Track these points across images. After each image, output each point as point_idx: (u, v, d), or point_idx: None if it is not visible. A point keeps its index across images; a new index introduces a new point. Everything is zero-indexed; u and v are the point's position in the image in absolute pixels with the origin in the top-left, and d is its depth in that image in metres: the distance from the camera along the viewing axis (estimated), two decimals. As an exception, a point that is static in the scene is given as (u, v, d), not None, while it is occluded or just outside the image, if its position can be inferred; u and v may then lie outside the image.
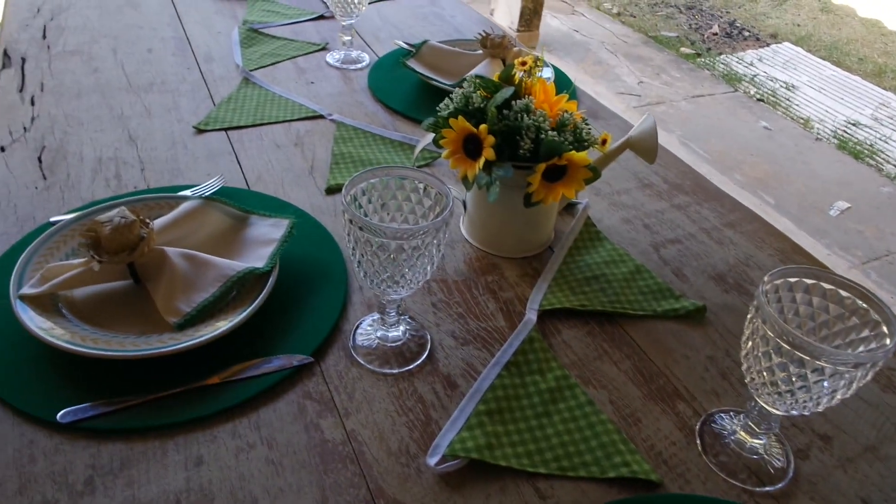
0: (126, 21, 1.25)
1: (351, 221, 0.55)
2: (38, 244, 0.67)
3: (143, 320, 0.63)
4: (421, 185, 0.59)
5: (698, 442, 0.60)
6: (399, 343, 0.65)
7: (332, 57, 1.20)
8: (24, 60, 1.09)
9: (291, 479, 0.53)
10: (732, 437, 0.60)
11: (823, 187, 2.75)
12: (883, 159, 2.95)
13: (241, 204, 0.76)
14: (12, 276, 0.63)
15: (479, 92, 0.71)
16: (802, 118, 3.20)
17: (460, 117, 0.68)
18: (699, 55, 3.74)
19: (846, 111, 3.30)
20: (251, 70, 1.12)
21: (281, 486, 0.53)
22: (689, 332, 0.71)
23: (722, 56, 3.78)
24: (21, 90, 1.01)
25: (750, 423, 0.58)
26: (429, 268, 0.57)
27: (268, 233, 0.72)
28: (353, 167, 0.91)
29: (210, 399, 0.58)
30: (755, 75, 3.56)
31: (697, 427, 0.61)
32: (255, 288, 0.66)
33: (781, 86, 3.48)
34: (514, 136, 0.68)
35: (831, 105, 3.35)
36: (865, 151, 3.01)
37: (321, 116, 1.02)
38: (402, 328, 0.66)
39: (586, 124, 0.73)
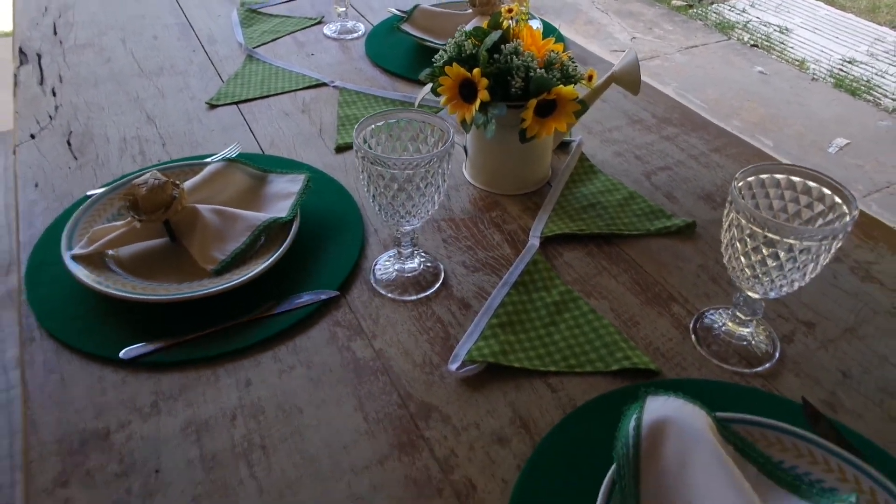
0: (130, 12, 1.31)
1: (364, 158, 0.61)
2: (82, 212, 0.74)
3: (181, 272, 0.70)
4: (424, 124, 0.65)
5: (692, 336, 0.66)
6: (415, 273, 0.72)
7: (328, 29, 1.25)
8: (39, 56, 1.15)
9: (330, 392, 0.60)
10: (722, 329, 0.66)
11: (821, 126, 2.77)
12: (880, 94, 2.97)
13: (259, 165, 0.82)
14: (62, 241, 0.70)
15: (470, 40, 0.77)
16: (797, 60, 3.21)
17: (455, 64, 0.74)
18: (691, 6, 3.75)
19: (841, 49, 3.30)
20: (254, 48, 1.18)
21: (322, 398, 0.60)
22: (680, 245, 0.77)
23: (714, 5, 3.77)
24: (41, 83, 1.07)
25: (737, 314, 0.64)
26: (436, 196, 0.64)
27: (286, 187, 0.78)
28: (358, 127, 0.97)
29: (251, 332, 0.65)
30: (748, 21, 3.57)
31: (691, 324, 0.68)
32: (280, 236, 0.73)
33: (775, 30, 3.48)
34: (505, 77, 0.74)
35: (826, 45, 3.35)
36: (862, 87, 3.03)
37: (324, 84, 1.08)
38: (417, 260, 0.72)
39: (572, 62, 0.78)
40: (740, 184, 0.58)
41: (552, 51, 0.78)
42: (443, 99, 0.77)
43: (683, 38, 3.42)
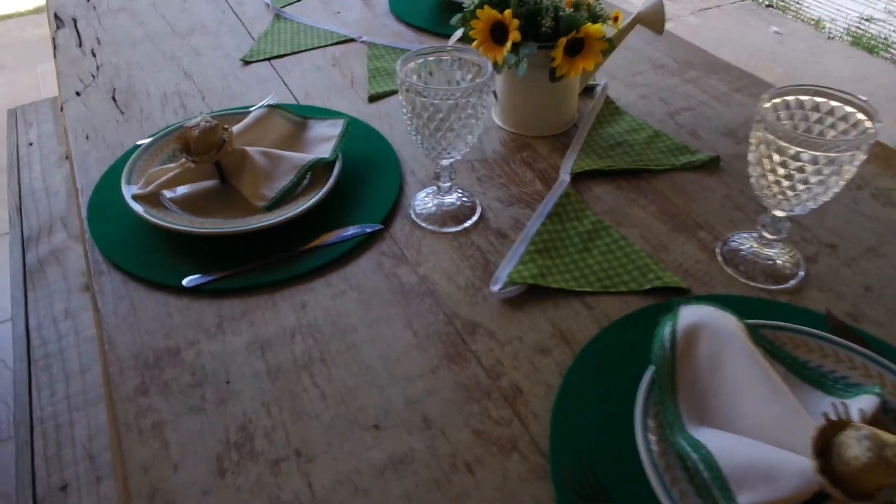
0: (157, -22, 1.34)
1: (408, 90, 0.65)
2: (139, 155, 0.78)
3: (234, 209, 0.74)
4: (462, 58, 0.69)
5: (719, 258, 0.70)
6: (453, 208, 0.75)
7: (352, -12, 1.28)
8: (75, 21, 1.19)
9: (381, 312, 0.65)
10: (749, 250, 0.69)
11: (839, 85, 2.73)
12: (898, 50, 2.94)
13: (299, 112, 0.85)
14: (122, 181, 0.74)
15: (499, -17, 0.80)
16: (813, 19, 3.18)
17: (486, 7, 0.77)
18: (704, -32, 3.70)
19: (858, 7, 3.27)
20: (281, 7, 1.21)
21: (373, 318, 0.64)
22: (706, 178, 0.80)
23: (727, -34, 3.73)
24: (80, 45, 1.11)
25: (764, 234, 0.68)
26: (476, 127, 0.67)
27: (326, 132, 0.82)
28: (389, 79, 1.00)
29: (304, 262, 0.69)
30: (762, -19, 3.52)
31: (717, 248, 0.71)
32: (323, 175, 0.76)
33: (790, -11, 3.44)
34: (535, 18, 0.77)
35: (842, 3, 3.32)
36: (880, 45, 3.00)
37: (352, 40, 1.11)
38: (454, 195, 0.76)
39: (599, 3, 0.81)
40: (767, 104, 0.61)
41: (580, -8, 0.80)
42: (475, 42, 0.80)
43: (697, 0, 3.40)
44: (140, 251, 0.70)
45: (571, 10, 0.77)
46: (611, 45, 0.78)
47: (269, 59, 1.06)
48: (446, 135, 0.66)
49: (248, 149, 0.76)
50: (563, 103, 0.87)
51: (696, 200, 0.77)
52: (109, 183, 0.78)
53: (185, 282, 0.67)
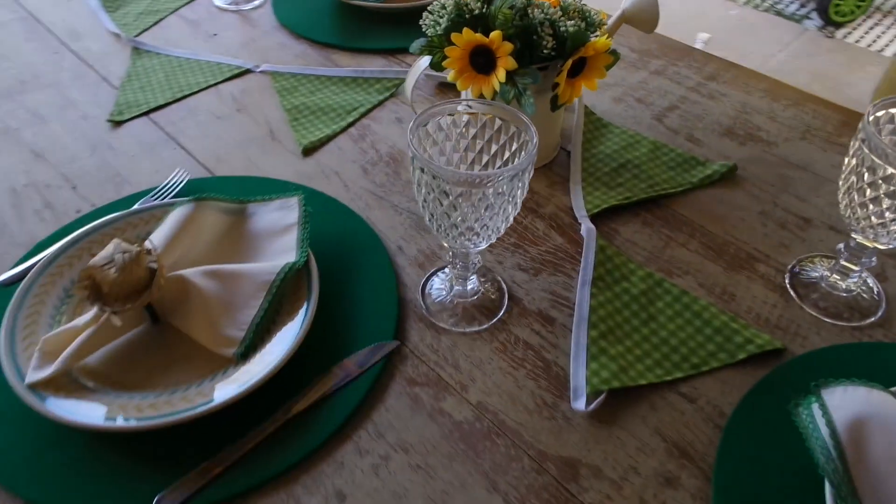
0: (-58, 13, 1.00)
1: (423, 170, 0.47)
2: (13, 313, 0.53)
3: (186, 366, 0.53)
4: (495, 120, 0.51)
5: (794, 296, 0.60)
6: (477, 295, 0.59)
7: (218, -1, 1.03)
8: None
9: (449, 477, 0.48)
10: (824, 282, 0.60)
11: (684, 23, 2.85)
12: (726, -16, 3.09)
13: (223, 194, 0.63)
14: (2, 363, 0.50)
15: (470, -4, 0.62)
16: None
17: (465, 30, 0.60)
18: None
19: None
20: (135, 36, 0.94)
21: (442, 489, 0.47)
22: (730, 193, 0.70)
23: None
24: None
25: (844, 263, 0.59)
26: (511, 210, 0.51)
27: (278, 219, 0.61)
28: (315, 119, 0.79)
29: (310, 426, 0.50)
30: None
31: (787, 283, 0.61)
32: (293, 285, 0.57)
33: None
34: (530, 38, 0.61)
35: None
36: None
37: (248, 71, 0.88)
38: (474, 278, 0.60)
39: (584, 4, 0.66)
40: (871, 118, 0.50)
41: (562, -5, 0.65)
42: (450, 73, 0.63)
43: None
44: (60, 470, 0.47)
45: (564, 18, 0.62)
46: (616, 56, 0.64)
47: (146, 114, 0.81)
48: (472, 222, 0.50)
49: (187, 273, 0.54)
50: (551, 128, 0.73)
51: (734, 224, 0.67)
52: (-22, 358, 0.53)
53: (156, 504, 0.45)
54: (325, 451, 0.49)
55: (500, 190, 0.47)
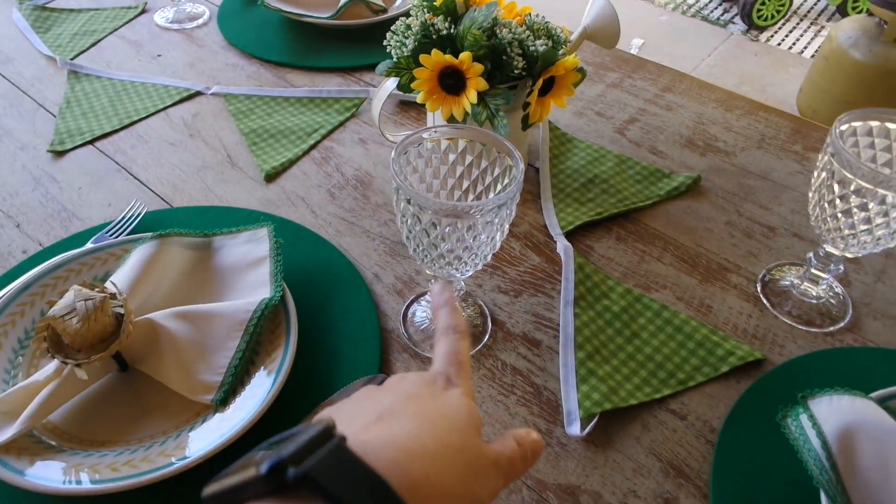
0: None
1: (409, 202, 0.45)
2: (-38, 373, 0.49)
3: (158, 413, 0.49)
4: (475, 145, 0.50)
5: (767, 304, 0.62)
6: (460, 321, 0.58)
7: (160, 17, 0.98)
8: None
9: (449, 514, 0.46)
10: (795, 290, 0.62)
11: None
12: (652, -8, 3.19)
13: (185, 228, 0.60)
14: (-45, 430, 0.45)
15: (437, 17, 0.61)
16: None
17: (434, 51, 0.59)
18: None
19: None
20: (72, 59, 0.88)
21: (443, 527, 0.46)
22: (696, 204, 0.72)
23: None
24: None
25: (814, 271, 0.60)
26: (498, 237, 0.50)
27: (247, 252, 0.59)
28: (275, 142, 0.76)
29: (302, 468, 0.48)
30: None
31: (759, 292, 0.63)
32: (270, 322, 0.54)
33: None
34: (500, 58, 0.60)
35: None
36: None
37: (199, 93, 0.84)
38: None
39: (546, 22, 0.66)
40: (837, 131, 0.52)
41: (527, 13, 0.65)
42: (419, 95, 0.62)
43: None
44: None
45: (532, 37, 0.62)
46: (583, 74, 0.64)
47: (91, 142, 0.76)
48: (458, 251, 0.48)
49: (157, 317, 0.51)
50: (519, 146, 0.72)
51: (702, 235, 0.68)
52: (-77, 423, 0.48)
53: (139, 572, 0.42)
54: (317, 498, 0.47)
55: (489, 219, 0.46)
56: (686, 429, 0.52)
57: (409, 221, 0.47)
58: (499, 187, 0.50)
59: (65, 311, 0.46)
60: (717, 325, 0.60)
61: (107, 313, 0.47)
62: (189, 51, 0.92)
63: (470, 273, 0.52)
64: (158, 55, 0.91)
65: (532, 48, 0.60)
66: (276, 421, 0.49)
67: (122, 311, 0.48)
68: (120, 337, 0.47)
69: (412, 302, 0.60)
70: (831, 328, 0.60)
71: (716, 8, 3.08)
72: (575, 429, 0.51)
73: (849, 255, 0.56)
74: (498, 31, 0.60)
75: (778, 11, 2.87)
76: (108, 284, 0.50)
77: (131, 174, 0.72)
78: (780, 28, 2.95)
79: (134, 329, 0.49)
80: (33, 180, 0.71)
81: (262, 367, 0.51)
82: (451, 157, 0.51)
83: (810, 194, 0.55)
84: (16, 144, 0.75)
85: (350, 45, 0.92)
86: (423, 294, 0.61)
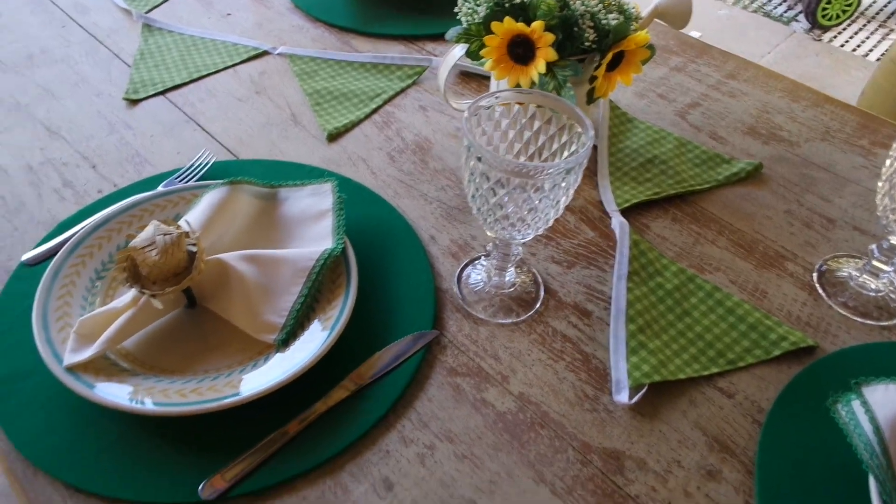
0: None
1: (479, 159, 0.46)
2: (43, 295, 0.51)
3: (222, 350, 0.52)
4: (545, 111, 0.51)
5: (823, 295, 0.61)
6: (513, 286, 0.59)
7: (231, -22, 1.00)
8: None
9: (495, 467, 0.48)
10: (853, 281, 0.61)
11: (677, 21, 2.87)
12: (716, -16, 3.12)
13: (252, 178, 0.62)
14: (39, 347, 0.48)
15: (512, -16, 0.62)
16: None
17: (507, 19, 0.59)
18: None
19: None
20: (146, 12, 0.91)
21: (490, 479, 0.47)
22: (756, 192, 0.71)
23: None
24: None
25: (875, 263, 0.60)
26: (563, 201, 0.50)
27: (311, 205, 0.60)
28: (338, 104, 0.78)
29: (355, 413, 0.49)
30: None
31: (815, 281, 0.62)
32: (331, 273, 0.56)
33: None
34: (571, 30, 0.60)
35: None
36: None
37: (266, 53, 0.86)
38: (511, 270, 0.59)
39: (619, -2, 0.66)
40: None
41: (599, -13, 0.65)
42: (487, 63, 0.62)
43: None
44: (100, 454, 0.46)
45: (604, 11, 0.62)
46: (653, 51, 0.64)
47: (162, 93, 0.79)
48: (524, 214, 0.49)
49: (226, 257, 0.53)
50: (580, 120, 0.72)
51: (761, 222, 0.68)
52: (15, 342, 0.51)
53: (202, 493, 0.44)
54: (369, 440, 0.49)
55: (556, 181, 0.47)
56: (733, 407, 0.52)
57: (476, 180, 0.48)
58: (565, 154, 0.51)
59: (145, 244, 0.48)
60: (770, 310, 0.60)
61: (182, 249, 0.49)
62: (257, 11, 0.94)
63: (531, 237, 0.53)
64: (228, 14, 0.93)
65: (604, 21, 0.60)
66: (332, 364, 0.51)
67: (194, 248, 0.51)
68: (192, 273, 0.50)
69: (467, 265, 0.61)
70: (888, 322, 0.59)
71: (779, 4, 3.00)
72: (623, 397, 0.52)
73: (908, 246, 0.56)
74: (571, 2, 0.60)
75: (844, 11, 2.78)
76: (181, 223, 0.52)
77: (199, 125, 0.74)
78: (845, 28, 2.86)
79: (205, 267, 0.51)
80: (108, 126, 0.74)
81: (322, 314, 0.53)
82: (521, 121, 0.52)
83: (880, 183, 0.55)
84: (92, 91, 0.78)
85: (413, 15, 0.93)
86: (478, 258, 0.62)
